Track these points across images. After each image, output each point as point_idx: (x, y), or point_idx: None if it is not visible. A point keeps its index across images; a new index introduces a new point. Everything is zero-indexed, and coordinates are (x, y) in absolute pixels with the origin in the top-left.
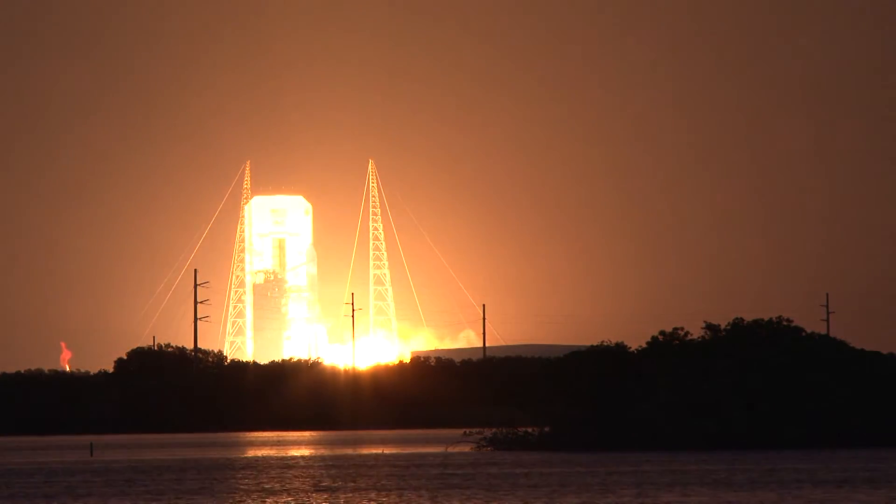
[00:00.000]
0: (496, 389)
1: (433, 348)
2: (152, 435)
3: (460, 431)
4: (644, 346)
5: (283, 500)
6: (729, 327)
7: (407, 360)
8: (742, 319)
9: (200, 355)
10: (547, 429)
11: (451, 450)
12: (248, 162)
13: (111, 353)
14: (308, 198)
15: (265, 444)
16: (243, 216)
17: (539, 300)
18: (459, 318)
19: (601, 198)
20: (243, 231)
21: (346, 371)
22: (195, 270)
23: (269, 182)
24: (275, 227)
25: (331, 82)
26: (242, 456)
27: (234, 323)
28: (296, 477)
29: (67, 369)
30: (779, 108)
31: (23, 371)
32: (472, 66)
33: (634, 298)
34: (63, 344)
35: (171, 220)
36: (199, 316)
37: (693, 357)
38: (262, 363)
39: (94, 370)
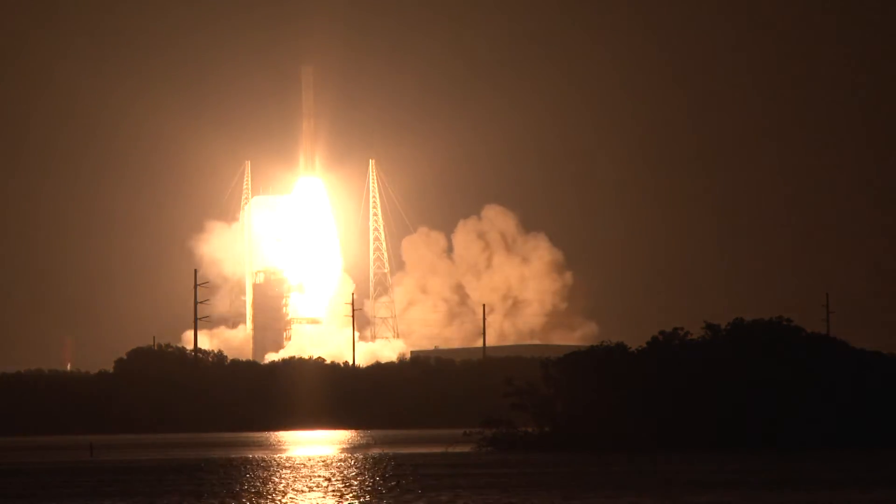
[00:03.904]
0: (496, 389)
1: (433, 347)
2: (152, 435)
3: (460, 431)
4: (644, 346)
5: (285, 501)
6: (729, 327)
7: (407, 359)
8: (742, 319)
9: (200, 355)
10: (547, 429)
11: (451, 450)
12: (248, 162)
13: (111, 353)
14: (308, 198)
15: (265, 445)
16: (243, 216)
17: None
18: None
19: (600, 198)
20: (243, 231)
21: (346, 371)
22: (195, 270)
23: (269, 182)
24: (275, 228)
25: (331, 82)
26: (241, 456)
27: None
28: (296, 477)
29: (68, 367)
30: (779, 107)
31: (23, 371)
32: (472, 64)
33: (634, 298)
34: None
35: (171, 220)
36: (199, 316)
37: (693, 357)
38: (262, 363)
39: (94, 370)
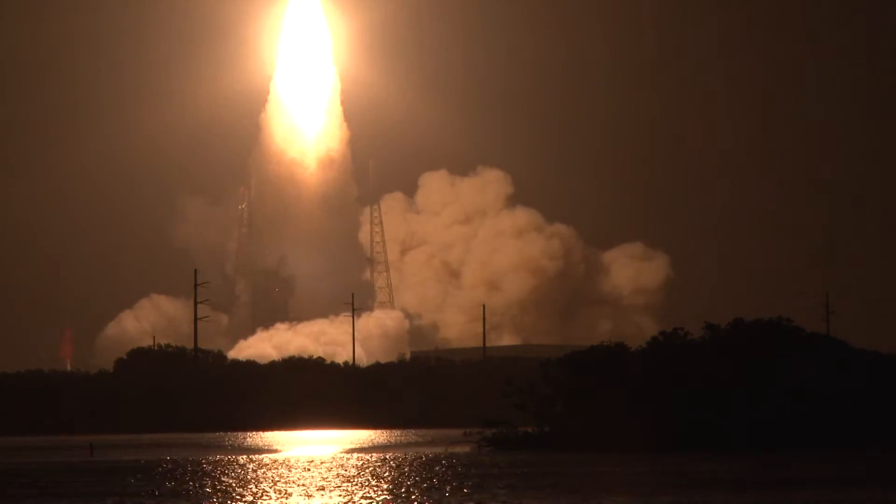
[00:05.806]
0: (496, 389)
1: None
2: (152, 435)
3: (460, 431)
4: (644, 346)
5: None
6: (729, 327)
7: (407, 359)
8: (742, 319)
9: (200, 355)
10: (547, 429)
11: (451, 450)
12: (249, 161)
13: (111, 353)
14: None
15: (265, 445)
16: (244, 216)
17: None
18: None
19: (599, 197)
20: (244, 230)
21: (345, 370)
22: (195, 270)
23: None
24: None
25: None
26: (238, 457)
27: None
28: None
29: (68, 367)
30: (780, 106)
31: (23, 371)
32: (472, 63)
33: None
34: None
35: (171, 220)
36: (199, 316)
37: (693, 357)
38: (262, 363)
39: (93, 370)
